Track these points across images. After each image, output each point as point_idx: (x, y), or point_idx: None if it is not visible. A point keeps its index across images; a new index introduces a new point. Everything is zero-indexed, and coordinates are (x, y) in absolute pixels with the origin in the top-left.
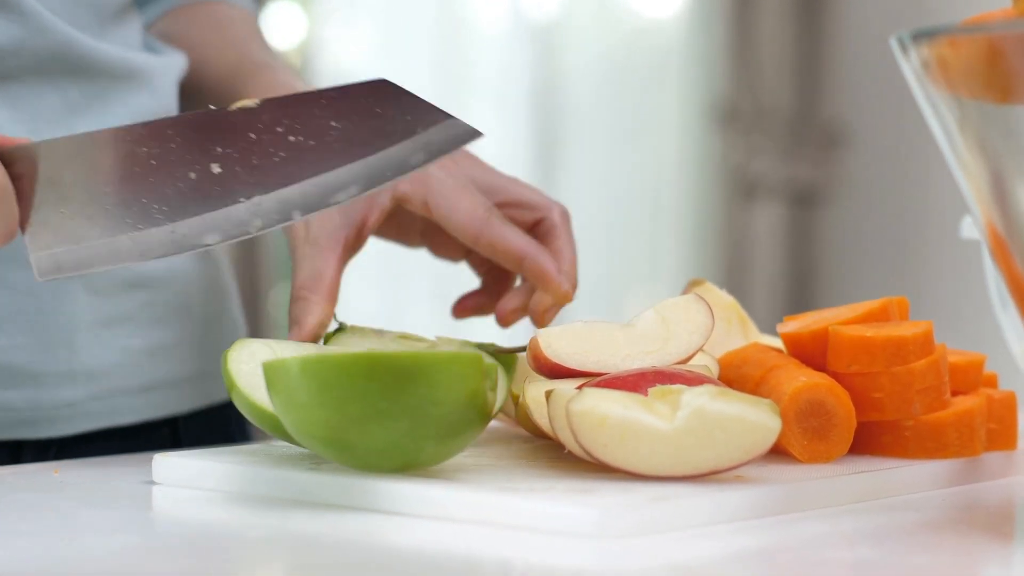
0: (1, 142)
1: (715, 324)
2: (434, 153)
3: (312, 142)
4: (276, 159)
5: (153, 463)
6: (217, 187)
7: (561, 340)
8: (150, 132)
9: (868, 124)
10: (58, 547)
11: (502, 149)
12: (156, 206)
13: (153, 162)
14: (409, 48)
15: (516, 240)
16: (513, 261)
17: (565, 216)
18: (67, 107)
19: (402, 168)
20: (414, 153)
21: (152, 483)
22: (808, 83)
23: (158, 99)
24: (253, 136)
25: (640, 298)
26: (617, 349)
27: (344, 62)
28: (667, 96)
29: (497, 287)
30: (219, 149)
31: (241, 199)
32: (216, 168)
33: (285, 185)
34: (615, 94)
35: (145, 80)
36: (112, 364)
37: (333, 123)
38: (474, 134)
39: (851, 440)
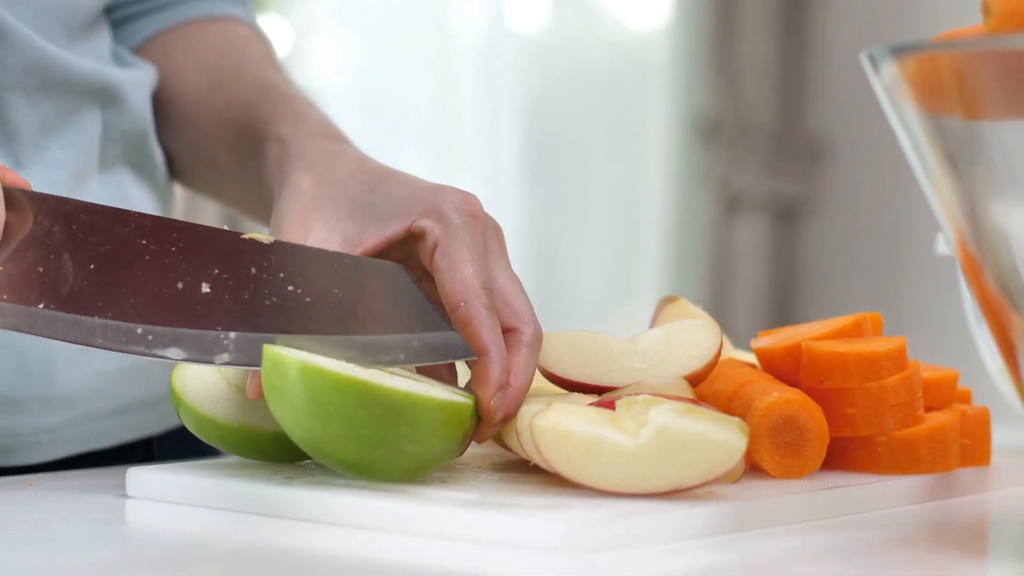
0: (12, 180)
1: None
2: (418, 358)
3: (308, 299)
4: (267, 303)
5: (127, 477)
6: (199, 307)
7: (554, 346)
8: (155, 227)
9: (850, 139)
10: (31, 560)
11: (487, 161)
12: (133, 301)
13: (147, 257)
14: (394, 61)
15: (489, 333)
16: (472, 348)
17: (538, 339)
18: (42, 124)
19: (378, 359)
20: (399, 351)
21: (126, 497)
22: (791, 98)
23: (130, 118)
24: (253, 271)
25: (622, 311)
26: (608, 363)
27: (329, 76)
28: (650, 110)
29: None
30: (215, 271)
31: (218, 328)
32: (206, 288)
33: (265, 331)
34: (599, 107)
35: (118, 96)
36: (89, 388)
37: (336, 289)
38: (466, 353)
39: (824, 455)
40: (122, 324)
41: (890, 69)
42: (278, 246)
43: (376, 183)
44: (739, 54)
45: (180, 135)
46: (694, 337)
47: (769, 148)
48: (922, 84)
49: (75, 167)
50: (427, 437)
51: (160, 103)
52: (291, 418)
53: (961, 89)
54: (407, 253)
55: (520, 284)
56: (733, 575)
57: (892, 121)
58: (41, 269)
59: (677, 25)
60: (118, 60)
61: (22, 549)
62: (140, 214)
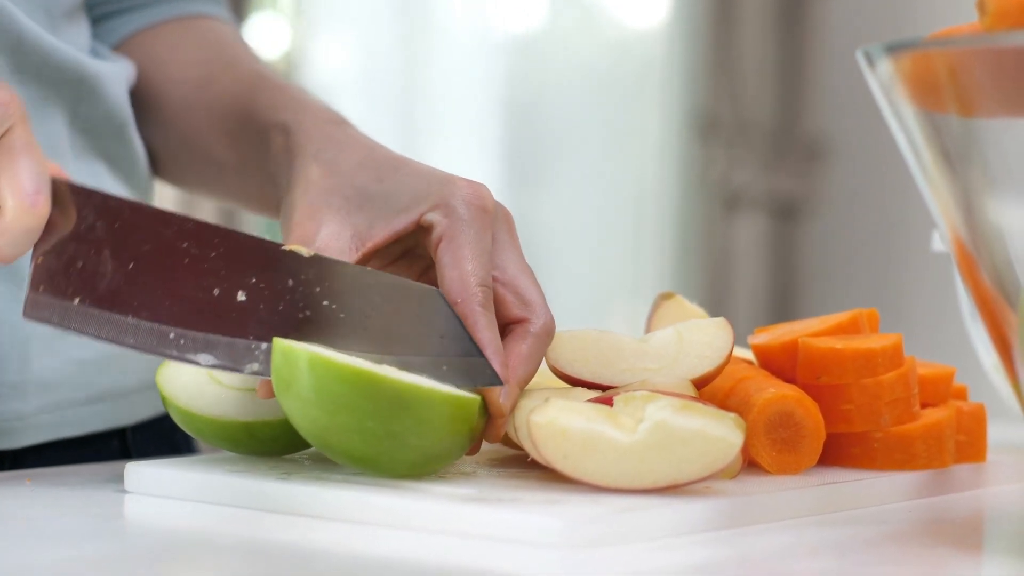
0: (56, 173)
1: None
2: (446, 380)
3: (343, 315)
4: (300, 316)
5: (125, 471)
6: (234, 314)
7: (565, 344)
8: (197, 231)
9: (848, 137)
10: (29, 556)
11: (485, 159)
12: (168, 303)
13: (186, 261)
14: (392, 59)
15: (482, 332)
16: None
17: (548, 330)
18: None
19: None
20: (428, 373)
21: (124, 491)
22: (789, 96)
23: (104, 110)
24: (290, 283)
25: (622, 310)
26: (619, 362)
27: (328, 73)
28: (649, 108)
29: None
30: (253, 280)
31: (250, 337)
32: (241, 296)
33: (298, 342)
34: (597, 106)
35: (92, 87)
36: (63, 376)
37: (371, 308)
38: (494, 380)
39: (820, 451)
40: (155, 326)
41: (886, 67)
42: (317, 260)
43: (385, 173)
44: (738, 52)
45: (170, 131)
46: (706, 338)
47: (767, 146)
48: (918, 82)
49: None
50: (433, 431)
51: (145, 99)
52: (298, 410)
53: (956, 87)
54: (415, 243)
55: (531, 274)
56: (729, 570)
57: (888, 119)
58: (80, 264)
59: (675, 23)
60: (96, 54)
61: (20, 544)
62: (184, 216)
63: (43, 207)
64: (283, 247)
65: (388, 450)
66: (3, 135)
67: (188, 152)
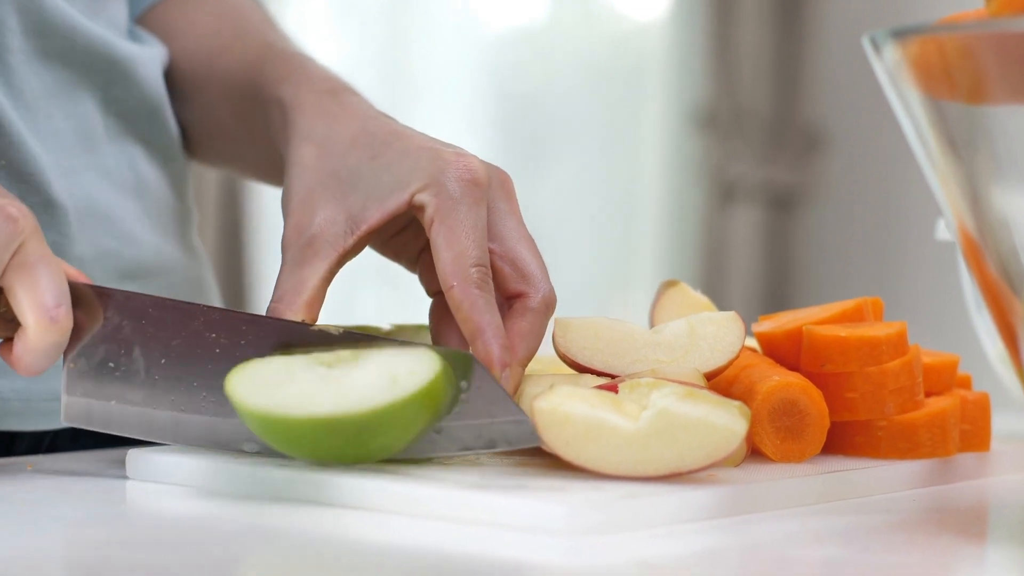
0: (76, 277)
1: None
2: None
3: None
4: None
5: (127, 458)
6: None
7: (576, 332)
8: (223, 320)
9: (846, 128)
10: (29, 540)
11: (482, 151)
12: (205, 395)
13: (217, 351)
14: (390, 54)
15: (480, 314)
16: (467, 331)
17: (548, 303)
18: (44, 90)
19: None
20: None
21: (125, 478)
22: (787, 87)
23: (136, 94)
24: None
25: (618, 300)
26: (630, 352)
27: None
28: (647, 100)
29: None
30: None
31: None
32: None
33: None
34: (596, 97)
35: (126, 70)
36: None
37: None
38: (533, 438)
39: (824, 440)
40: (197, 418)
41: (892, 52)
42: (347, 336)
43: (378, 149)
44: (735, 43)
45: (188, 106)
46: (718, 332)
47: (765, 137)
48: (924, 68)
49: (76, 138)
50: (406, 429)
51: (166, 74)
52: (274, 445)
53: (963, 73)
54: (411, 218)
55: (532, 243)
56: (732, 558)
57: (894, 105)
58: (112, 365)
59: (674, 15)
60: (132, 35)
61: (21, 529)
62: (209, 307)
63: (65, 320)
64: (311, 326)
65: (372, 454)
66: (17, 251)
67: (209, 128)
